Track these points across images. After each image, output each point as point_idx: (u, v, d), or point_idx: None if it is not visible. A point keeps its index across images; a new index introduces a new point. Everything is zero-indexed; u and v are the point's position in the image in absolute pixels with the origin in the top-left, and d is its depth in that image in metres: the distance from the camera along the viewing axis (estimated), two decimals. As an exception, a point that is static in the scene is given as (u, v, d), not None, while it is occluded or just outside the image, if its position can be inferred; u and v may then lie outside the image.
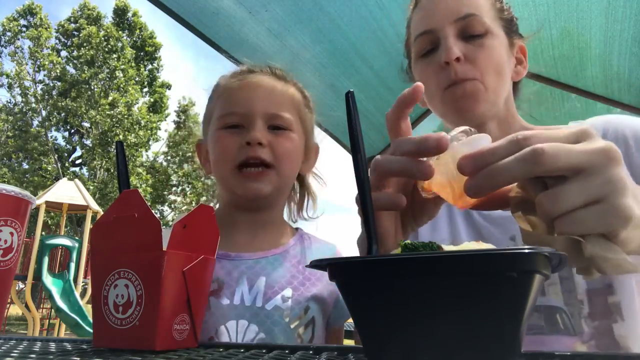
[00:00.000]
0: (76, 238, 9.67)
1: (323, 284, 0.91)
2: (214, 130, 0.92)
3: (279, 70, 0.99)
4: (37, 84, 18.60)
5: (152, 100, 19.95)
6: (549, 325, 0.75)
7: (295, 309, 0.86)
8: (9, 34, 18.77)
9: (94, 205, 9.32)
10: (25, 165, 18.24)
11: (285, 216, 1.05)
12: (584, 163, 0.40)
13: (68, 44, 19.28)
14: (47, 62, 18.15)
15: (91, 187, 16.56)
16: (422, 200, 0.54)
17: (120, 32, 18.97)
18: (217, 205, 1.02)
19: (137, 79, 19.16)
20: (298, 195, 1.06)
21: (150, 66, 20.51)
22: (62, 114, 18.32)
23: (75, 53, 18.37)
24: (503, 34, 0.85)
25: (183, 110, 21.00)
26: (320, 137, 1.08)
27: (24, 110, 18.29)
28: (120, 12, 19.85)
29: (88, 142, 18.63)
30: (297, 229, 1.03)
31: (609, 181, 0.40)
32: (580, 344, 0.72)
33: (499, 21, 0.85)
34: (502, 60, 0.83)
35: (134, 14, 20.03)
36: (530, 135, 0.43)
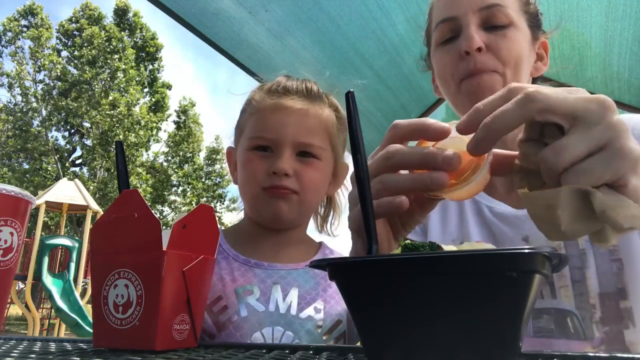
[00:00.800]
0: (76, 238, 9.67)
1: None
2: (244, 150, 0.93)
3: (315, 88, 0.97)
4: (38, 84, 18.62)
5: (152, 100, 19.96)
6: (559, 328, 0.73)
7: (327, 320, 0.86)
8: (9, 34, 18.78)
9: (94, 205, 9.32)
10: (25, 165, 18.25)
11: (311, 227, 1.06)
12: (580, 110, 0.39)
13: (69, 44, 19.29)
14: (47, 62, 18.15)
15: (91, 187, 16.57)
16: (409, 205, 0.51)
17: (121, 32, 18.98)
18: (242, 216, 1.02)
19: (137, 79, 19.16)
20: (324, 210, 1.06)
21: (151, 67, 20.52)
22: (63, 114, 18.33)
23: (76, 53, 18.38)
24: (527, 27, 0.83)
25: (183, 111, 21.01)
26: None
27: (25, 110, 18.30)
28: (121, 13, 19.86)
29: (88, 142, 18.65)
30: (320, 243, 1.03)
31: (609, 126, 0.39)
32: (591, 349, 0.71)
33: (523, 14, 0.83)
34: (524, 53, 0.81)
35: (135, 15, 20.04)
36: (524, 86, 0.42)
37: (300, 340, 0.83)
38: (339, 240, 1.09)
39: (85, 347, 0.58)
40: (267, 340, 0.81)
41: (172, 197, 20.40)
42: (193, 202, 19.63)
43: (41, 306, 10.21)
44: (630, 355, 0.41)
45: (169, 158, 20.70)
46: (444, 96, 0.90)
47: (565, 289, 0.74)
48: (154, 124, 19.19)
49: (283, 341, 0.81)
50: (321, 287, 0.90)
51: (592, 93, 0.41)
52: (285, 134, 0.88)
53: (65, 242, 8.78)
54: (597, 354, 0.43)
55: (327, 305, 0.88)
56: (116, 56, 18.27)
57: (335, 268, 0.41)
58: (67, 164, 19.32)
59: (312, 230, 1.05)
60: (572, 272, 0.74)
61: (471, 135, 0.44)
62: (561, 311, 0.74)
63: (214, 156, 21.45)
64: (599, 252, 0.74)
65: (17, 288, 10.69)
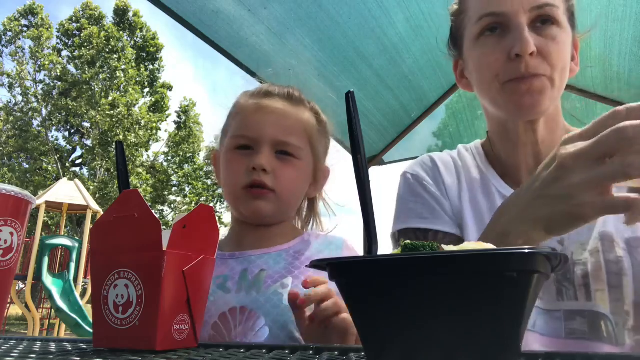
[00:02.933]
0: (76, 238, 9.67)
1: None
2: (226, 150, 0.98)
3: (296, 93, 1.01)
4: (38, 84, 18.62)
5: (152, 100, 19.95)
6: (592, 331, 0.73)
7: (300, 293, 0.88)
8: (10, 33, 18.79)
9: (94, 205, 9.33)
10: (25, 165, 18.25)
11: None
12: None
13: (69, 44, 19.29)
14: (47, 62, 18.15)
15: (91, 187, 16.57)
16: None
17: (121, 32, 18.98)
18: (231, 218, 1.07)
19: (137, 79, 19.16)
20: (304, 214, 1.10)
21: (151, 67, 20.52)
22: (63, 114, 18.33)
23: (76, 53, 18.38)
24: (569, 27, 0.81)
25: (184, 111, 21.00)
26: (338, 157, 1.10)
27: (25, 110, 18.30)
28: (121, 13, 19.85)
29: (88, 142, 18.64)
30: (305, 234, 1.05)
31: None
32: None
33: (566, 13, 0.80)
34: (569, 57, 0.80)
35: (135, 14, 20.03)
36: None
37: (266, 314, 0.85)
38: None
39: (85, 347, 0.58)
40: (231, 318, 0.86)
41: (172, 197, 20.41)
42: (193, 202, 19.63)
43: (41, 306, 10.21)
44: (629, 354, 0.41)
45: (169, 158, 20.70)
46: (477, 90, 0.88)
47: (602, 293, 0.74)
48: (154, 124, 19.18)
49: (249, 319, 0.85)
50: (292, 266, 0.92)
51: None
52: (264, 132, 0.93)
53: (65, 242, 8.78)
54: (598, 354, 0.43)
55: (297, 280, 0.89)
56: (116, 56, 18.27)
57: (335, 268, 0.41)
58: (67, 164, 19.33)
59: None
60: (610, 277, 0.74)
61: None
62: (596, 314, 0.73)
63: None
64: (637, 261, 0.74)
65: (17, 288, 10.68)
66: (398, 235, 0.91)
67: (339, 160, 1.10)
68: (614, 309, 0.72)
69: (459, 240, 0.85)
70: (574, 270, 0.76)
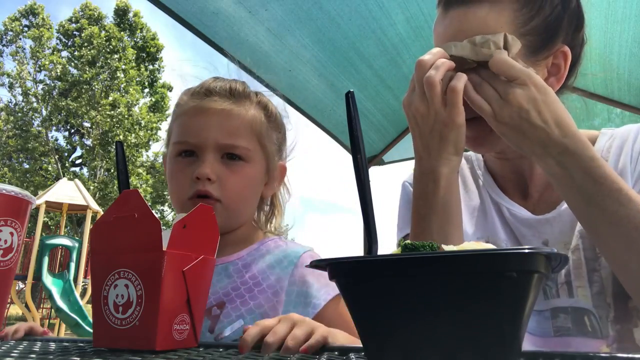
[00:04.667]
0: (76, 238, 9.67)
1: (266, 296, 0.86)
2: (169, 156, 0.92)
3: (240, 87, 0.94)
4: (38, 84, 18.62)
5: (152, 100, 19.96)
6: (576, 327, 0.74)
7: (224, 322, 0.83)
8: (10, 33, 18.80)
9: (94, 205, 9.33)
10: (25, 165, 18.25)
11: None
12: None
13: (69, 44, 19.30)
14: (48, 62, 18.16)
15: (91, 187, 16.57)
16: None
17: (121, 32, 18.98)
18: None
19: (138, 79, 19.17)
20: (268, 209, 1.03)
21: (151, 67, 20.52)
22: (63, 114, 18.33)
23: (76, 53, 18.39)
24: (521, 56, 0.74)
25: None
26: (315, 134, 1.05)
27: (25, 110, 18.30)
28: (121, 13, 19.85)
29: (88, 142, 18.64)
30: (266, 239, 0.98)
31: None
32: (605, 347, 0.72)
33: (522, 39, 0.74)
34: None
35: (135, 15, 20.03)
36: None
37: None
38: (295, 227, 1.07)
39: (85, 347, 0.58)
40: None
41: (172, 197, 20.38)
42: (193, 202, 19.60)
43: (41, 306, 10.21)
44: (630, 355, 0.41)
45: (169, 158, 20.68)
46: None
47: (583, 289, 0.75)
48: (154, 124, 19.19)
49: None
50: (231, 286, 0.87)
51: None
52: (207, 137, 0.87)
53: (65, 242, 8.78)
54: (597, 354, 0.43)
55: (231, 305, 0.84)
56: (116, 56, 18.27)
57: (335, 268, 0.41)
58: (67, 164, 19.33)
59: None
60: (590, 275, 0.76)
61: None
62: (579, 310, 0.75)
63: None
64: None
65: (17, 288, 10.68)
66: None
67: (308, 136, 1.04)
68: (597, 302, 0.74)
69: None
70: None
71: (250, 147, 0.90)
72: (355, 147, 0.46)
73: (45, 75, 18.60)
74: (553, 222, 0.80)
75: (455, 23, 0.77)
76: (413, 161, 1.00)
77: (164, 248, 0.52)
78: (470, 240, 0.86)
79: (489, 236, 0.85)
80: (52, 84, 18.41)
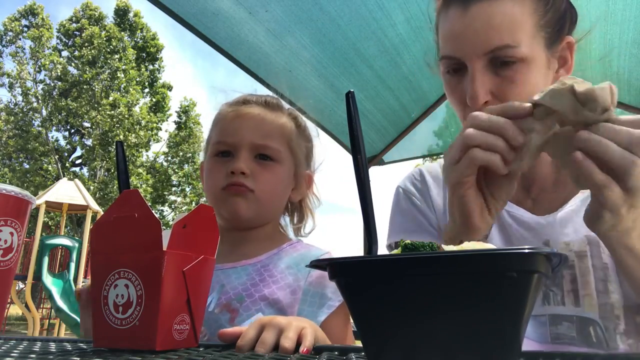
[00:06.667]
0: (76, 238, 9.66)
1: (284, 293, 0.90)
2: (207, 157, 1.02)
3: (274, 101, 1.05)
4: (38, 84, 18.61)
5: (153, 100, 19.96)
6: (580, 336, 0.73)
7: (244, 315, 0.87)
8: (10, 33, 18.78)
9: (94, 205, 9.32)
10: (25, 165, 18.24)
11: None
12: None
13: (69, 44, 19.30)
14: (48, 62, 18.15)
15: (91, 187, 16.56)
16: (497, 176, 0.62)
17: (121, 32, 18.98)
18: None
19: (138, 79, 19.17)
20: (296, 216, 1.11)
21: (151, 67, 20.52)
22: (63, 114, 18.32)
23: (76, 53, 18.39)
24: (542, 49, 0.75)
25: (184, 111, 21.00)
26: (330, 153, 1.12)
27: (25, 110, 18.30)
28: (122, 13, 19.85)
29: (88, 142, 18.64)
30: (293, 242, 1.04)
31: None
32: None
33: (539, 34, 0.74)
34: (537, 87, 0.73)
35: (135, 15, 20.04)
36: None
37: (212, 334, 0.85)
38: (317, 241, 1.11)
39: (85, 347, 0.59)
40: None
41: (172, 197, 20.39)
42: (193, 202, 19.62)
43: (41, 306, 10.20)
44: (629, 354, 0.41)
45: (170, 158, 20.69)
46: None
47: (589, 298, 0.73)
48: (154, 125, 19.19)
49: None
50: (250, 282, 0.92)
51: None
52: (242, 137, 0.96)
53: (65, 242, 8.77)
54: (597, 354, 0.43)
55: (249, 299, 0.89)
56: (116, 56, 18.27)
57: (335, 268, 0.41)
58: (67, 164, 19.32)
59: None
60: (597, 283, 0.74)
61: None
62: (584, 320, 0.73)
63: (214, 156, 21.39)
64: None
65: (17, 288, 10.68)
66: (389, 250, 0.96)
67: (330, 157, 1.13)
68: (603, 313, 0.72)
69: None
70: (563, 275, 0.76)
71: (280, 148, 0.98)
72: (355, 147, 0.46)
73: (45, 75, 18.60)
74: (556, 224, 0.78)
75: (483, 18, 0.72)
76: (413, 161, 1.00)
77: (164, 248, 0.52)
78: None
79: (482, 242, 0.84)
80: (52, 84, 18.40)
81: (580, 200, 0.80)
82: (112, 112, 17.60)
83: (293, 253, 1.00)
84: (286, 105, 1.07)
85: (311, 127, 1.11)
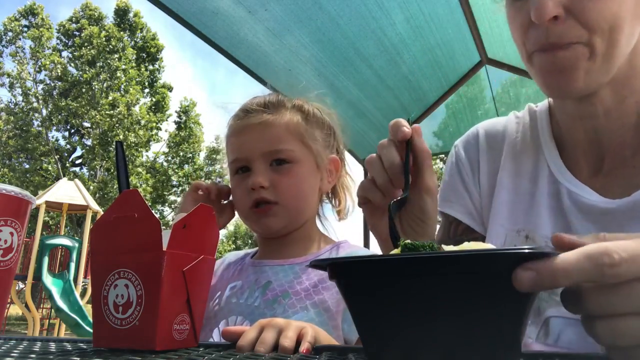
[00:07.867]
0: (76, 238, 9.67)
1: (331, 293, 0.90)
2: (230, 177, 1.02)
3: (274, 100, 1.01)
4: (38, 84, 18.62)
5: (153, 100, 19.96)
6: (581, 337, 0.68)
7: (289, 312, 0.87)
8: (10, 33, 18.80)
9: (94, 205, 9.32)
10: (25, 165, 18.25)
11: (321, 225, 1.08)
12: None
13: (69, 44, 19.30)
14: (48, 62, 18.16)
15: (91, 187, 16.57)
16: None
17: (121, 32, 18.98)
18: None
19: (138, 79, 19.16)
20: (335, 200, 1.09)
21: (151, 67, 20.52)
22: (63, 114, 18.33)
23: (76, 53, 18.39)
24: None
25: (184, 111, 21.00)
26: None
27: (25, 110, 18.30)
28: (121, 13, 19.85)
29: (88, 142, 18.65)
30: (339, 242, 1.03)
31: None
32: None
33: None
34: (624, 11, 0.57)
35: (135, 15, 20.04)
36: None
37: None
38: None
39: (85, 347, 0.58)
40: (229, 325, 0.89)
41: (172, 197, 20.40)
42: (193, 202, 19.59)
43: (41, 306, 10.21)
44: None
45: (169, 158, 20.70)
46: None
47: None
48: (154, 124, 19.19)
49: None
50: (297, 280, 0.92)
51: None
52: (251, 149, 0.95)
53: (65, 242, 8.78)
54: (597, 353, 0.43)
55: (295, 297, 0.89)
56: (116, 56, 18.28)
57: (335, 268, 0.41)
58: (67, 164, 19.33)
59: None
60: None
61: None
62: None
63: (214, 156, 21.45)
64: None
65: (17, 288, 10.69)
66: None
67: None
68: None
69: (469, 230, 0.83)
70: None
71: (294, 148, 0.96)
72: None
73: (45, 75, 18.61)
74: (629, 212, 0.61)
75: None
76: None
77: (164, 248, 0.52)
78: (499, 232, 0.75)
79: (528, 229, 0.70)
80: (52, 84, 18.41)
81: None
82: (112, 112, 17.61)
83: (341, 253, 0.99)
84: (289, 99, 1.03)
85: (322, 108, 1.06)
